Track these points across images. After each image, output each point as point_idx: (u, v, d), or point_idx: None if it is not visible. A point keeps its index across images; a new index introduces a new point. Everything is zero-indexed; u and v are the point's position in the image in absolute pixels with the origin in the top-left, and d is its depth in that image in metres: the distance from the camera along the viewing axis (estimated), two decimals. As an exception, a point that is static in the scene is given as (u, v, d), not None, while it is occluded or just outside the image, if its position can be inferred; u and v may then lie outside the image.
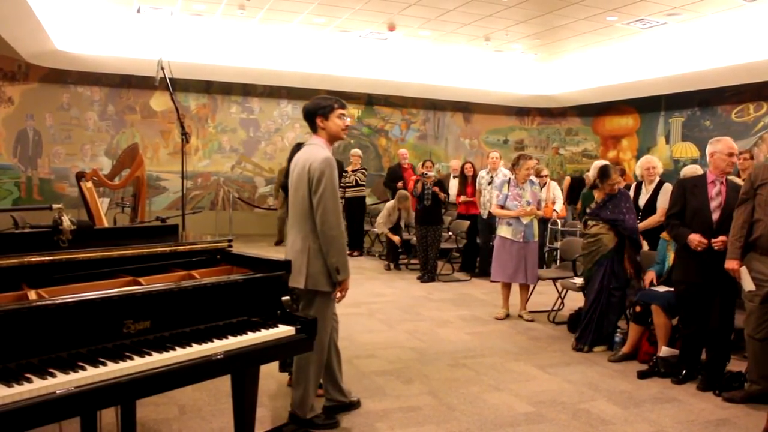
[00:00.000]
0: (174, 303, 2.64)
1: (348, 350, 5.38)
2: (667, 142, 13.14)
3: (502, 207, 6.65)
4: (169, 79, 5.13)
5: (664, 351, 4.92)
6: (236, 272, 3.18)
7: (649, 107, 13.26)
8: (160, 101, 13.13)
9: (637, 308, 5.16)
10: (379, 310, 6.97)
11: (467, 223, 9.18)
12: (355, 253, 11.09)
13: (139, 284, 2.73)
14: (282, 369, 4.33)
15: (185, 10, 9.89)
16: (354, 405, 4.05)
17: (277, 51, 12.25)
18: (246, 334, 2.78)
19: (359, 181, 10.97)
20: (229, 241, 3.40)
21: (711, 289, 4.51)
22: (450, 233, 9.41)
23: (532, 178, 6.75)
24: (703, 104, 12.30)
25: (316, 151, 3.62)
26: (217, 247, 3.34)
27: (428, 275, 8.84)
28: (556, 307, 6.67)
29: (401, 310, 7.02)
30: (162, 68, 5.01)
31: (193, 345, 2.56)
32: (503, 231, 6.65)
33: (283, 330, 2.91)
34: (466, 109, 15.40)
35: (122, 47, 11.19)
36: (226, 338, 2.70)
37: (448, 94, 14.37)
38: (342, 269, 3.59)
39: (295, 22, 10.44)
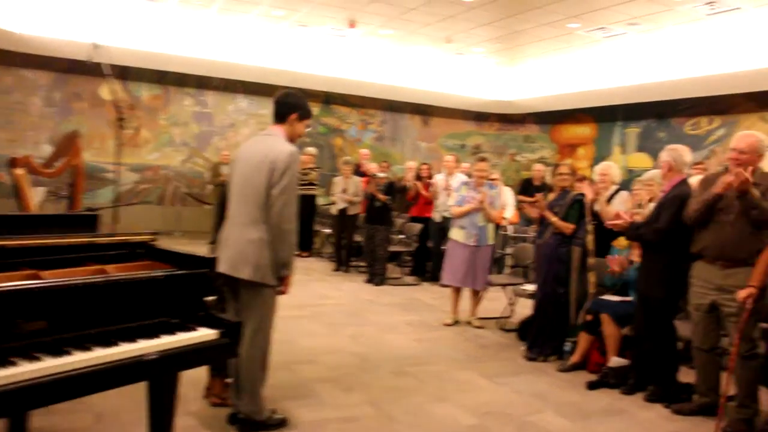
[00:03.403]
0: (78, 301, 2.34)
1: (287, 355, 5.13)
2: (623, 152, 13.21)
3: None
4: (114, 65, 4.73)
5: (613, 361, 4.79)
6: (157, 268, 2.90)
7: (606, 117, 13.32)
8: (109, 90, 12.60)
9: (588, 317, 5.03)
10: (323, 314, 6.71)
11: (419, 226, 8.99)
12: (304, 254, 10.80)
13: (39, 278, 2.43)
14: (216, 373, 4.01)
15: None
16: (274, 426, 3.64)
17: (235, 43, 11.93)
18: (159, 337, 2.50)
19: (312, 180, 10.70)
20: (153, 234, 3.11)
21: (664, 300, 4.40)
22: (401, 236, 9.21)
23: (489, 181, 6.59)
24: (658, 116, 12.40)
25: (280, 143, 3.50)
26: (138, 241, 3.06)
27: (378, 278, 8.62)
28: (506, 314, 6.51)
29: (347, 314, 6.77)
30: (97, 50, 4.59)
31: (96, 349, 2.27)
32: (455, 234, 6.47)
33: (204, 334, 2.64)
34: (424, 111, 15.24)
35: (72, 30, 10.70)
36: (136, 342, 2.41)
37: (407, 96, 14.19)
38: (289, 264, 3.48)
39: (254, 14, 10.12)
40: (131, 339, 2.40)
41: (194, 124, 13.45)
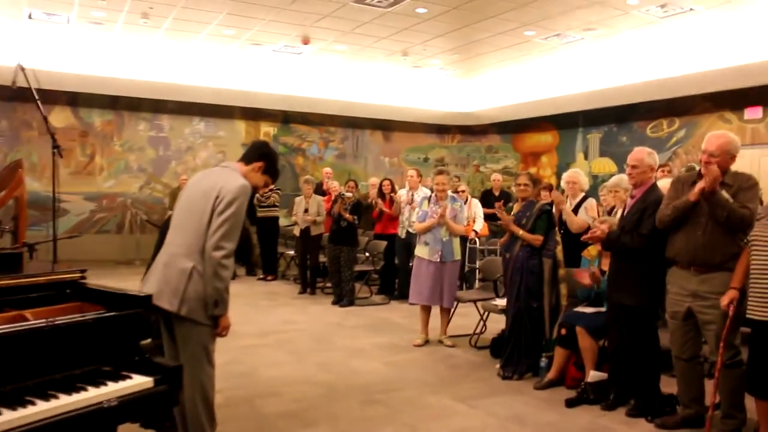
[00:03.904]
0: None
1: (248, 389, 4.82)
2: (586, 158, 13.19)
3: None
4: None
5: (592, 375, 4.59)
6: (87, 310, 2.61)
7: (567, 124, 13.31)
8: (60, 117, 12.17)
9: (562, 331, 4.82)
10: (288, 340, 6.40)
11: (384, 243, 8.75)
12: (269, 278, 10.49)
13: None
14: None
15: (83, 17, 9.11)
16: None
17: (188, 65, 11.64)
18: (85, 390, 2.21)
19: (274, 202, 10.41)
20: (82, 272, 2.82)
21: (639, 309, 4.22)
22: (366, 254, 8.96)
23: (453, 194, 6.39)
24: (619, 120, 12.41)
25: (234, 176, 3.27)
26: (65, 280, 2.76)
27: (347, 299, 8.35)
28: (478, 331, 6.28)
29: (313, 340, 6.48)
30: (24, 72, 4.27)
31: (3, 411, 1.97)
32: (420, 251, 6.24)
33: (138, 382, 2.36)
34: (385, 127, 15.07)
35: (15, 56, 10.26)
36: (56, 398, 2.12)
37: (367, 112, 14.01)
38: (221, 303, 3.13)
39: (204, 34, 9.84)
40: (47, 395, 2.11)
41: (150, 149, 13.07)
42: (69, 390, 2.18)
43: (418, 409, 4.43)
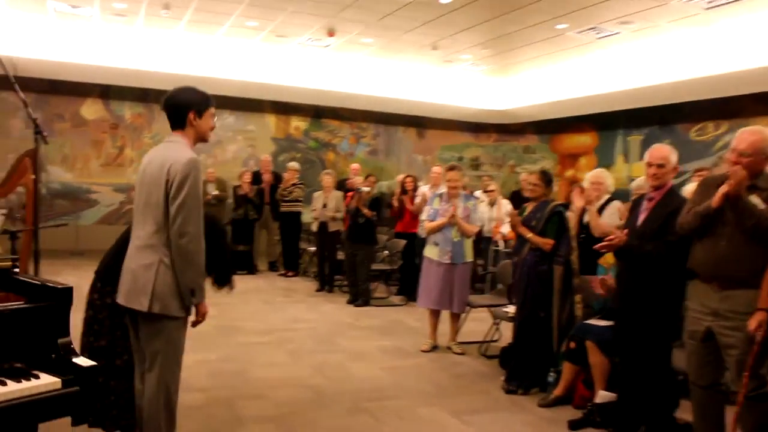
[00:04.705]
0: None
1: (232, 389, 4.58)
2: (626, 160, 12.60)
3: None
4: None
5: (600, 396, 4.17)
6: (9, 300, 2.37)
7: (607, 125, 12.71)
8: (91, 110, 12.24)
9: (571, 344, 4.42)
10: (290, 340, 6.14)
11: (403, 242, 8.42)
12: (290, 274, 10.29)
13: None
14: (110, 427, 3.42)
15: (106, 9, 9.05)
16: None
17: (216, 58, 11.53)
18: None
19: (297, 197, 10.18)
20: (14, 260, 2.59)
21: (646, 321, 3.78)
22: (386, 252, 8.65)
23: (468, 193, 6.03)
24: (662, 122, 11.77)
25: (179, 149, 2.97)
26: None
27: (362, 299, 8.06)
28: (490, 338, 5.90)
29: (316, 340, 6.20)
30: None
31: None
32: (428, 251, 5.91)
33: (44, 383, 2.11)
34: (419, 124, 14.71)
35: (49, 50, 10.38)
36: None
37: (400, 108, 13.65)
38: (198, 291, 2.93)
39: (227, 26, 9.67)
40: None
41: (180, 141, 13.00)
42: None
43: (406, 421, 4.10)
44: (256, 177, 10.75)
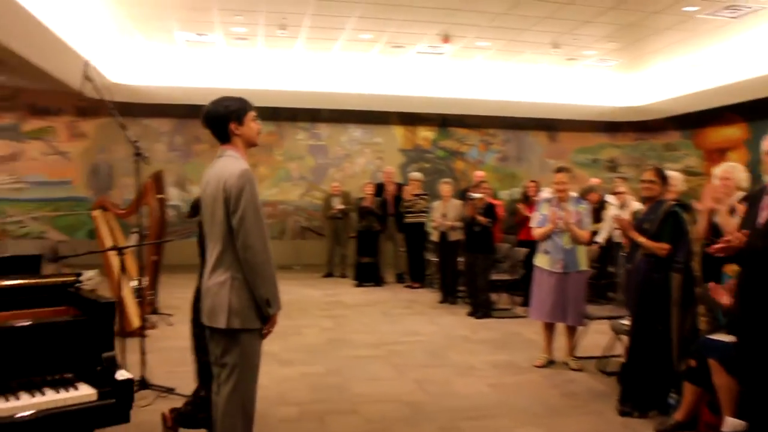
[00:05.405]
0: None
1: (329, 403, 4.54)
2: (786, 154, 11.22)
3: (540, 231, 5.58)
4: (96, 87, 4.47)
5: (728, 424, 3.62)
6: (69, 314, 2.45)
7: (758, 114, 11.38)
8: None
9: (692, 362, 3.90)
10: (399, 353, 6.01)
11: (525, 251, 8.02)
12: (416, 285, 10.19)
13: None
14: (187, 425, 3.49)
15: (228, 35, 9.54)
16: None
17: (337, 74, 11.72)
18: (12, 399, 2.03)
19: (422, 209, 10.06)
20: (77, 275, 2.68)
21: None
22: (507, 262, 8.29)
23: (578, 197, 5.60)
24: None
25: (231, 163, 2.97)
26: (58, 283, 2.64)
27: (482, 310, 7.78)
28: (610, 353, 5.41)
29: (427, 353, 6.02)
30: (88, 76, 4.34)
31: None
32: (539, 260, 5.54)
33: (80, 394, 2.14)
34: (549, 126, 14.09)
35: (182, 77, 11.13)
36: None
37: (528, 111, 13.16)
38: (273, 301, 2.92)
39: (342, 40, 9.81)
40: None
41: (309, 157, 13.44)
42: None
43: (502, 443, 3.82)
44: (380, 188, 10.81)
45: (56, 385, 2.14)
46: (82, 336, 2.28)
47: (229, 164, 2.94)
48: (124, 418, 2.24)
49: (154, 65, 11.01)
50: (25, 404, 2.02)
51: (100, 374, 2.24)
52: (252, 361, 2.99)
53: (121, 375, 2.25)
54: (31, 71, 8.90)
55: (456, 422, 4.16)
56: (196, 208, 3.26)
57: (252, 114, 3.07)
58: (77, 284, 2.65)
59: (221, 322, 2.87)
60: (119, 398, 2.18)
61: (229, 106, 3.02)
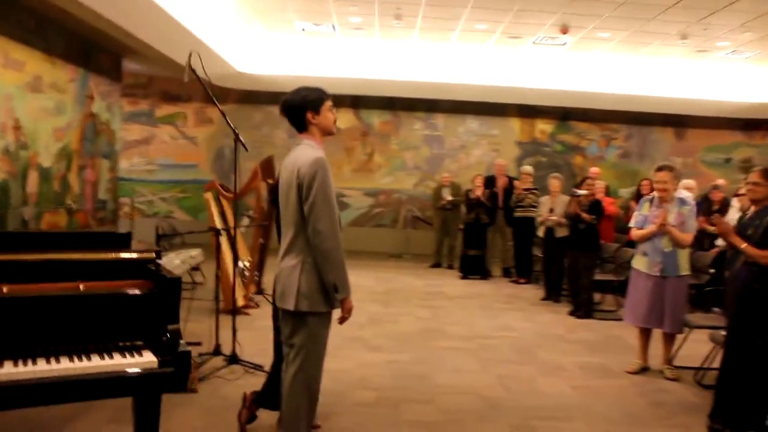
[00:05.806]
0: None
1: (408, 390, 4.63)
2: None
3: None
4: (202, 78, 4.75)
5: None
6: (143, 287, 2.70)
7: None
8: (344, 119, 13.27)
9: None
10: (489, 348, 5.98)
11: (632, 251, 7.67)
12: (522, 281, 10.04)
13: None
14: (264, 405, 3.70)
15: (344, 24, 9.79)
16: None
17: (454, 65, 11.70)
18: (86, 359, 2.29)
19: (532, 203, 9.86)
20: (157, 252, 2.93)
21: None
22: (614, 262, 7.98)
23: (683, 196, 5.29)
24: None
25: (306, 151, 3.10)
26: (139, 258, 2.89)
27: (583, 310, 7.56)
28: (708, 364, 5.09)
29: (516, 350, 5.95)
30: (191, 67, 4.61)
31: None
32: (636, 262, 5.32)
33: (142, 360, 2.36)
34: (677, 122, 13.27)
35: (303, 67, 11.57)
36: (57, 362, 2.24)
37: (655, 106, 12.45)
38: (341, 287, 3.03)
39: (458, 31, 9.78)
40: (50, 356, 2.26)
41: (425, 147, 13.53)
42: (77, 354, 2.28)
43: (571, 446, 3.74)
44: (490, 181, 10.71)
45: (124, 351, 2.36)
46: (152, 308, 2.50)
47: (304, 152, 3.06)
48: (181, 387, 2.44)
49: (275, 55, 11.50)
50: (93, 365, 2.26)
51: (166, 344, 2.44)
52: (318, 343, 3.11)
53: (184, 347, 2.45)
54: (163, 61, 9.61)
55: (528, 421, 4.11)
56: (275, 193, 3.44)
57: (328, 104, 3.16)
58: (158, 260, 2.89)
59: (290, 304, 3.02)
60: (177, 367, 2.38)
61: (306, 96, 3.13)
